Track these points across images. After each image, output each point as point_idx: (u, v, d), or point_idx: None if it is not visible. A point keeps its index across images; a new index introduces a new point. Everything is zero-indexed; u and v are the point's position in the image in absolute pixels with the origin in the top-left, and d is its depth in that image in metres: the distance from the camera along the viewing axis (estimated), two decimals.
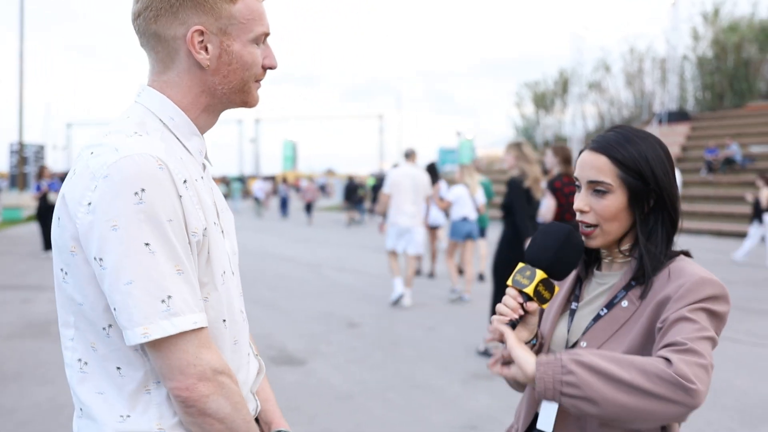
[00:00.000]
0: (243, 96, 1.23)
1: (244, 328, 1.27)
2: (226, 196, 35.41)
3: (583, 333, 1.40)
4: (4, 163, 26.81)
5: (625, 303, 1.35)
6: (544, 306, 1.37)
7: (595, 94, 33.77)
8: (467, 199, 8.13)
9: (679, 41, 28.87)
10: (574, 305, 1.47)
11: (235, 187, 34.10)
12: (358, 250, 14.09)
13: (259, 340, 6.19)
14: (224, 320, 1.18)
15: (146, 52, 1.20)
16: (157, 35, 1.16)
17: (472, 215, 8.16)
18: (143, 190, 1.03)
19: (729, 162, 20.74)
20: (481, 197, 8.27)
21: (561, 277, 1.39)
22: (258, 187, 28.41)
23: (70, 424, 1.25)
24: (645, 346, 1.29)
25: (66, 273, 1.10)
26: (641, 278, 1.36)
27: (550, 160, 5.52)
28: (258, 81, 1.24)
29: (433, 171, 9.25)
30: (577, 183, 1.43)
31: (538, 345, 1.46)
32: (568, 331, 1.44)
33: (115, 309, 1.05)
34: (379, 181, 12.18)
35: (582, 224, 1.40)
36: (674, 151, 23.60)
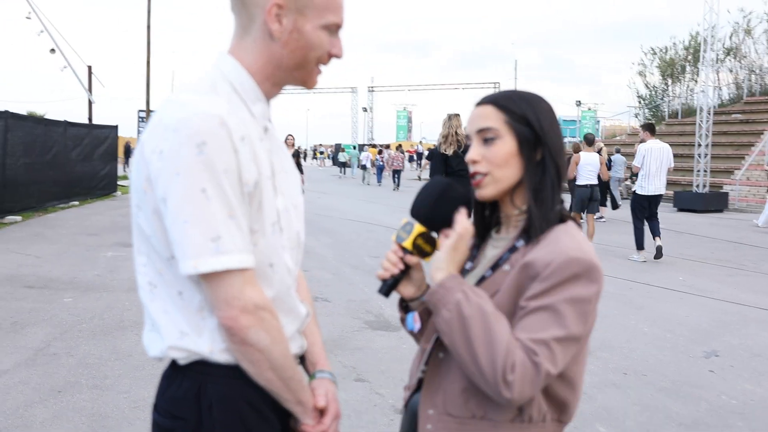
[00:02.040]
0: (303, 74, 1.33)
1: (292, 276, 1.38)
2: (346, 164, 36.67)
3: None
4: (135, 130, 28.86)
5: (506, 267, 1.34)
6: (426, 259, 1.40)
7: (732, 61, 31.13)
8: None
9: None
10: (468, 265, 1.46)
11: (353, 154, 35.31)
12: None
13: (358, 305, 6.33)
14: (271, 264, 1.29)
15: (233, 15, 1.33)
16: (242, 1, 1.28)
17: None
18: (204, 143, 1.15)
19: None
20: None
21: (442, 228, 1.39)
22: (364, 156, 30.15)
23: None
24: (510, 309, 1.30)
25: (139, 208, 1.25)
26: (527, 238, 1.34)
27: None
28: (320, 65, 1.34)
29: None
30: (468, 141, 1.42)
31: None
32: None
33: (173, 243, 1.18)
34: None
35: (474, 175, 1.38)
36: None
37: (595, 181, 10.49)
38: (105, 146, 18.78)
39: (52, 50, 23.18)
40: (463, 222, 1.35)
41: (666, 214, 16.18)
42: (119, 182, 20.72)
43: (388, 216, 14.49)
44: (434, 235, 1.40)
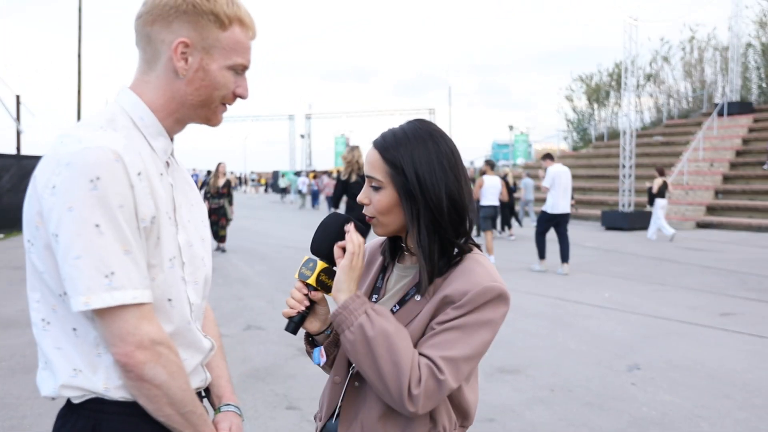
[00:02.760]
0: (207, 112, 1.35)
1: (196, 310, 1.38)
2: (286, 189, 36.71)
3: None
4: None
5: (418, 297, 1.41)
6: (330, 294, 1.42)
7: (652, 86, 32.75)
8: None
9: (743, 28, 27.69)
10: (374, 298, 1.51)
11: (292, 180, 35.96)
12: None
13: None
14: (170, 299, 1.28)
15: (138, 50, 1.33)
16: (149, 37, 1.29)
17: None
18: (98, 178, 1.14)
19: None
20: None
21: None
22: (301, 182, 31.42)
23: None
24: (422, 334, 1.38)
25: (32, 244, 1.22)
26: (431, 275, 1.40)
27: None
28: (224, 104, 1.36)
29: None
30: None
31: (332, 335, 1.49)
32: None
33: (64, 279, 1.16)
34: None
35: (365, 215, 1.46)
36: (735, 143, 22.71)
37: (497, 203, 12.10)
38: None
39: None
40: (354, 239, 1.40)
41: (594, 233, 16.77)
42: None
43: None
44: (335, 269, 1.43)
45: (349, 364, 1.45)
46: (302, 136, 55.39)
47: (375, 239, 1.61)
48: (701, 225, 18.53)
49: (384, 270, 1.54)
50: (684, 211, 19.44)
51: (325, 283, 1.43)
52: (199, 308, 1.39)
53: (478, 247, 1.47)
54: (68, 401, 1.27)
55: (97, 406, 1.24)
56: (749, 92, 29.26)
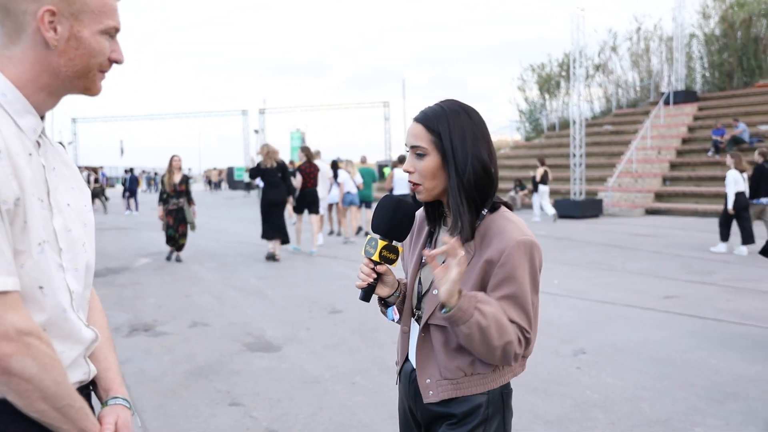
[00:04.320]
0: (86, 82, 1.28)
1: (77, 299, 1.30)
2: (250, 185, 36.12)
3: (432, 282, 1.67)
4: None
5: (462, 251, 1.55)
6: (394, 265, 1.70)
7: (601, 76, 33.34)
8: (350, 181, 13.44)
9: (687, 19, 28.39)
10: (424, 259, 1.74)
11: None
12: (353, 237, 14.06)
13: (239, 327, 6.17)
14: (41, 287, 1.19)
15: None
16: (6, 8, 1.21)
17: (353, 190, 13.44)
18: None
19: (737, 141, 20.39)
20: (358, 179, 13.51)
21: (401, 237, 1.70)
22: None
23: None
24: (480, 284, 1.60)
25: None
26: (467, 235, 1.62)
27: (300, 155, 11.76)
28: (102, 72, 1.30)
29: (334, 165, 14.08)
30: (406, 150, 1.69)
31: (401, 296, 1.78)
32: (419, 281, 1.74)
33: None
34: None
35: (410, 183, 1.67)
36: (681, 131, 23.30)
37: (407, 191, 12.85)
38: None
39: None
40: (460, 253, 1.48)
41: (547, 222, 16.99)
42: None
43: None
44: (395, 243, 1.67)
45: (412, 314, 1.75)
46: (256, 132, 54.80)
47: (421, 211, 1.84)
48: (650, 211, 18.97)
49: (432, 235, 1.77)
50: (633, 198, 19.88)
51: (387, 257, 1.66)
52: (80, 296, 1.31)
53: (507, 205, 1.69)
54: None
55: None
56: (694, 81, 30.06)
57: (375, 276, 1.68)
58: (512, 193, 20.85)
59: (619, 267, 9.45)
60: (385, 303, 1.81)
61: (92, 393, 1.40)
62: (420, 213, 1.84)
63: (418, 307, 1.73)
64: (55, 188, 1.26)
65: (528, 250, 1.56)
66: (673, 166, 21.51)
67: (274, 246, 10.56)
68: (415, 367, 1.75)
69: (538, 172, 17.52)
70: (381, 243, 1.65)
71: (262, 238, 10.86)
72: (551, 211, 17.28)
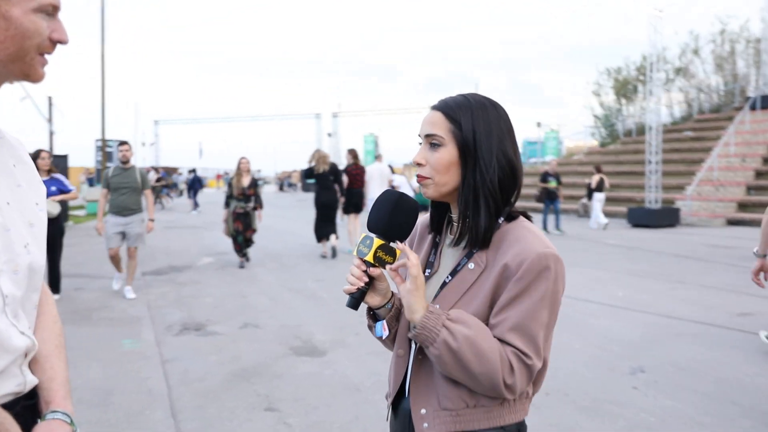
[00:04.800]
0: (23, 66, 1.17)
1: (10, 304, 1.20)
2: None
3: (434, 298, 1.48)
4: (92, 159, 28.28)
5: (471, 265, 1.43)
6: (386, 269, 1.46)
7: (682, 80, 31.87)
8: (406, 184, 14.96)
9: None
10: (427, 272, 1.54)
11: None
12: None
13: (289, 330, 6.14)
14: None
15: None
16: None
17: (410, 194, 13.12)
18: None
19: None
20: (414, 183, 12.44)
21: (401, 238, 1.47)
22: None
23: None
24: (490, 309, 1.40)
25: None
26: (479, 243, 1.43)
27: (347, 156, 12.01)
28: (43, 54, 1.18)
29: (389, 168, 14.35)
30: (419, 141, 1.51)
31: (393, 309, 1.55)
32: None
33: None
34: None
35: (418, 176, 1.48)
36: None
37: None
38: None
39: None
40: (411, 258, 1.39)
41: (620, 230, 16.33)
42: (71, 212, 20.24)
43: (342, 241, 14.33)
44: (393, 245, 1.46)
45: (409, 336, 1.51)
46: (329, 135, 55.44)
47: (425, 216, 1.64)
48: (732, 222, 17.94)
49: (436, 244, 1.57)
50: (714, 207, 18.85)
51: (382, 259, 1.45)
52: (17, 300, 1.21)
53: (526, 215, 1.50)
54: None
55: None
56: None
57: (366, 280, 1.46)
58: (584, 200, 20.17)
59: (691, 280, 8.91)
60: (374, 315, 1.59)
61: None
62: (423, 219, 1.64)
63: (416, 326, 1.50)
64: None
65: (550, 265, 1.37)
66: (759, 174, 20.28)
67: (325, 245, 11.11)
68: (407, 395, 1.53)
69: (594, 180, 17.33)
70: (377, 242, 1.45)
71: (317, 240, 11.22)
72: (603, 220, 16.71)
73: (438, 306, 1.44)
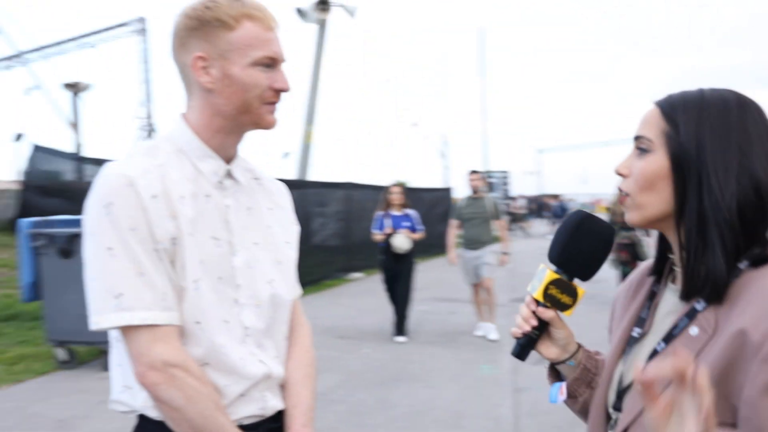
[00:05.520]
0: (251, 117, 1.31)
1: (253, 334, 1.33)
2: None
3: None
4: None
5: (694, 330, 1.00)
6: (567, 313, 1.16)
7: None
8: None
9: None
10: (635, 332, 1.13)
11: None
12: None
13: None
14: (198, 322, 1.26)
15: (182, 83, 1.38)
16: (178, 65, 1.33)
17: None
18: (111, 203, 1.21)
19: None
20: None
21: (585, 274, 1.16)
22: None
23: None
24: (720, 394, 0.90)
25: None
26: (708, 295, 1.00)
27: None
28: (268, 103, 1.31)
29: None
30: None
31: (580, 370, 1.20)
32: (623, 366, 1.13)
33: (87, 300, 1.24)
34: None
35: (619, 192, 1.11)
36: None
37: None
38: (441, 208, 20.31)
39: (415, 124, 27.43)
40: (686, 366, 0.77)
41: None
42: None
43: None
44: (575, 281, 1.17)
45: (606, 417, 1.12)
46: None
47: (647, 261, 1.25)
48: None
49: (653, 295, 1.16)
50: None
51: (556, 299, 1.15)
52: (258, 332, 1.33)
53: None
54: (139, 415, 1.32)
55: (143, 422, 1.29)
56: None
57: (536, 323, 1.16)
58: None
59: None
60: (555, 371, 1.24)
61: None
62: (646, 263, 1.23)
63: (617, 407, 1.11)
64: (242, 227, 1.33)
65: None
66: None
67: None
68: None
69: None
70: (549, 276, 1.15)
71: None
72: None
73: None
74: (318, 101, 17.50)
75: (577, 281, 1.17)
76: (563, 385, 1.21)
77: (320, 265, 12.77)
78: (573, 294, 1.16)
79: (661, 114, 1.06)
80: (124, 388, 1.29)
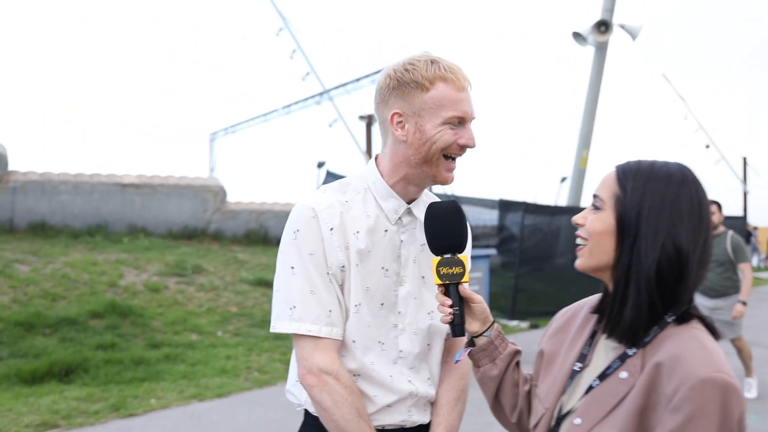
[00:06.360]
0: (431, 168, 1.48)
1: (407, 357, 1.51)
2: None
3: (578, 403, 1.26)
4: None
5: (623, 374, 1.19)
6: (465, 281, 1.40)
7: None
8: None
9: None
10: (577, 366, 1.31)
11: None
12: None
13: None
14: (354, 341, 1.46)
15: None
16: (380, 117, 1.55)
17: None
18: (298, 230, 1.46)
19: None
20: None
21: (459, 245, 1.41)
22: None
23: None
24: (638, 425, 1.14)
25: None
26: (627, 340, 1.21)
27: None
28: (449, 158, 1.48)
29: None
30: None
31: (485, 342, 1.42)
32: (564, 394, 1.31)
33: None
34: None
35: (577, 238, 1.32)
36: None
37: None
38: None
39: (707, 146, 26.00)
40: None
41: None
42: (755, 273, 19.46)
43: None
44: (459, 255, 1.41)
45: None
46: None
47: (594, 296, 1.40)
48: None
49: (594, 333, 1.34)
50: None
51: (449, 274, 1.39)
52: (413, 356, 1.50)
53: (703, 320, 1.23)
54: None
55: (307, 417, 1.53)
56: None
57: (449, 303, 1.38)
58: None
59: None
60: (471, 342, 1.46)
61: None
62: (593, 299, 1.37)
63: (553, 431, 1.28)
64: (412, 261, 1.51)
65: (719, 395, 1.06)
66: None
67: None
68: None
69: None
70: (434, 261, 1.39)
71: None
72: None
73: (581, 420, 1.20)
74: (594, 125, 16.81)
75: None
76: (463, 351, 1.45)
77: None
78: (459, 263, 1.39)
79: (616, 178, 1.25)
80: (296, 382, 1.53)
